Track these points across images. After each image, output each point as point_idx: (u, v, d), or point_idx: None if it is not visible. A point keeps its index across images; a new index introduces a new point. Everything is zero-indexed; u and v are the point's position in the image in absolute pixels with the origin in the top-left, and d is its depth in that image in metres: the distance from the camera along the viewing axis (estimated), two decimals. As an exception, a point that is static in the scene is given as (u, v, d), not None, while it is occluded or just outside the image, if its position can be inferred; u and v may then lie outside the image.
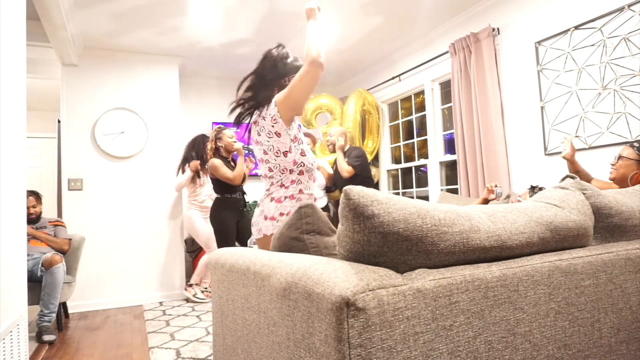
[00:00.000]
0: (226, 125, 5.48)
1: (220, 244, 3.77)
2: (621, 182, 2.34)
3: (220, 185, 3.81)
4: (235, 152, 3.89)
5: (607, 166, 2.78)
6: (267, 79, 2.04)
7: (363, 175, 4.14)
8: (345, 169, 4.04)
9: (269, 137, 1.97)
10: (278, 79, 2.05)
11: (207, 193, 4.42)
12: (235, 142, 3.86)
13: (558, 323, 1.06)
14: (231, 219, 3.83)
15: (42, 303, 3.15)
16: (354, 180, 4.05)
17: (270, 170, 2.02)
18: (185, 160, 4.40)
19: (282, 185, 1.99)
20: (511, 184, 3.51)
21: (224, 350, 1.51)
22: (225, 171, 3.70)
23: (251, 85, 2.08)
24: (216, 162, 3.71)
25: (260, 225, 1.98)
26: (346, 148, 4.22)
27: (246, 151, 4.00)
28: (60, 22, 3.32)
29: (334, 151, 4.31)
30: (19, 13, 2.18)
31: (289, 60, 2.10)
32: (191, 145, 4.46)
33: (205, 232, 4.32)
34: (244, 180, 3.95)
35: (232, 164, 3.92)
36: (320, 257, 1.03)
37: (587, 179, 2.52)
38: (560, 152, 3.11)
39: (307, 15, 2.05)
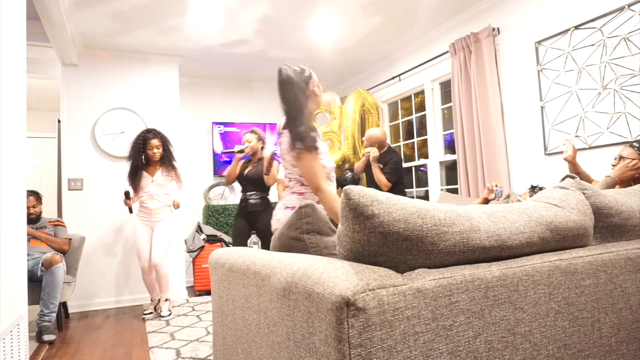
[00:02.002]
0: (226, 125, 5.49)
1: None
2: (622, 182, 2.34)
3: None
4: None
5: (607, 166, 2.78)
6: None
7: (397, 184, 3.90)
8: (385, 184, 3.81)
9: None
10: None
11: (150, 191, 3.78)
12: (243, 145, 3.83)
13: (558, 323, 1.06)
14: (239, 222, 3.77)
15: (42, 303, 3.15)
16: (391, 192, 3.91)
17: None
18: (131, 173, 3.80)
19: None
20: (511, 184, 3.51)
21: (224, 350, 1.51)
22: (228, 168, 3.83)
23: None
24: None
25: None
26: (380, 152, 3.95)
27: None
28: (60, 22, 3.32)
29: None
30: (19, 13, 2.18)
31: (296, 79, 2.02)
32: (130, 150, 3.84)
33: (134, 237, 3.84)
34: (245, 180, 3.80)
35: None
36: (320, 257, 1.03)
37: (587, 180, 2.52)
38: (561, 152, 3.11)
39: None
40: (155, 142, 3.78)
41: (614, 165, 2.39)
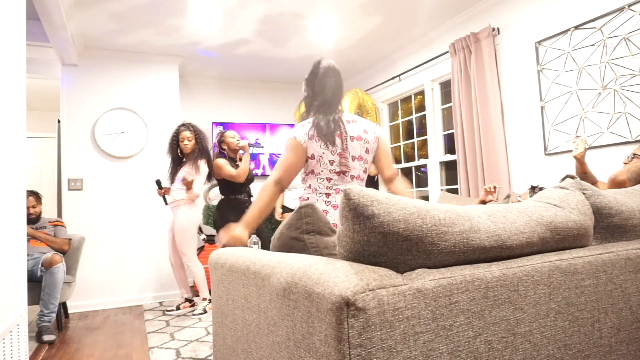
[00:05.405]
0: (226, 125, 5.49)
1: None
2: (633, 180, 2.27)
3: (225, 185, 3.80)
4: (241, 150, 3.88)
5: (607, 167, 2.78)
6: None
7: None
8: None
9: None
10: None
11: (200, 185, 3.80)
12: (238, 140, 3.88)
13: (558, 323, 1.06)
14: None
15: (42, 303, 3.15)
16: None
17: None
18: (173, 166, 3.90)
19: None
20: (511, 184, 3.51)
21: (224, 350, 1.51)
22: (229, 169, 3.72)
23: None
24: (220, 161, 3.76)
25: None
26: None
27: (251, 148, 3.93)
28: (60, 22, 3.32)
29: None
30: (19, 13, 2.17)
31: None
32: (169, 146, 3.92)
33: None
34: (251, 180, 3.88)
35: (238, 163, 3.90)
36: (320, 257, 1.03)
37: (593, 181, 2.46)
38: (561, 153, 3.11)
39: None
40: (186, 133, 3.81)
41: (626, 164, 2.33)
